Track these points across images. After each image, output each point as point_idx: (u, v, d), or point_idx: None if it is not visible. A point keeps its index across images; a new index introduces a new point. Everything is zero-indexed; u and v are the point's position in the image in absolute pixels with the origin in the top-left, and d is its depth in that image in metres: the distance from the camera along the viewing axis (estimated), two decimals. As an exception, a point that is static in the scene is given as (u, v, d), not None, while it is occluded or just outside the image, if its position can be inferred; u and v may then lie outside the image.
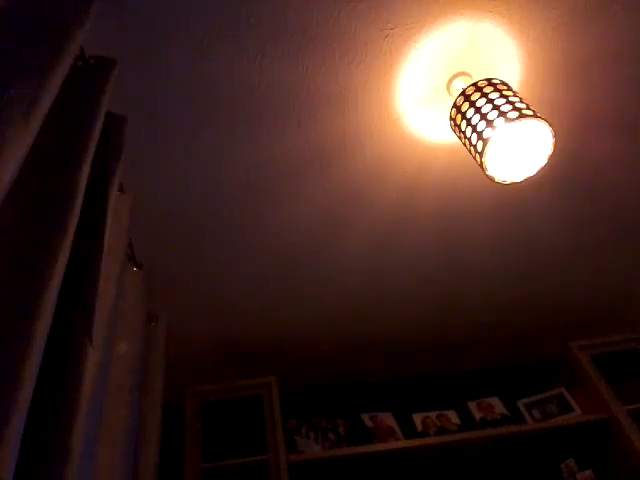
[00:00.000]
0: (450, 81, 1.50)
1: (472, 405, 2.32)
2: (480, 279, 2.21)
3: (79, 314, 0.90)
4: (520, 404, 2.29)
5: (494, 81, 1.40)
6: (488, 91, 1.36)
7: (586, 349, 2.25)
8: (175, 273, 2.00)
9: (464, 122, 1.39)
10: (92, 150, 0.95)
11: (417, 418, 2.27)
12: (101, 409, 1.19)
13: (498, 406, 2.31)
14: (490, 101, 1.34)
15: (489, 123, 1.33)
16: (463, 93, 1.41)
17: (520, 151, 1.39)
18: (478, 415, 2.28)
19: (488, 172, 1.39)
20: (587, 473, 2.06)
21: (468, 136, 1.39)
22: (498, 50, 1.46)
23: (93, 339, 0.91)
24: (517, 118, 1.30)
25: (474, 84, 1.40)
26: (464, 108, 1.40)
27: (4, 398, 0.64)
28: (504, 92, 1.36)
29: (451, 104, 1.45)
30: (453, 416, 2.30)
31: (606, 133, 1.69)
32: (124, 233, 1.25)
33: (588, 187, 1.87)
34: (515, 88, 1.47)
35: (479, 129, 1.35)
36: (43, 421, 0.77)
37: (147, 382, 1.56)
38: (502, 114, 1.31)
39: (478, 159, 1.39)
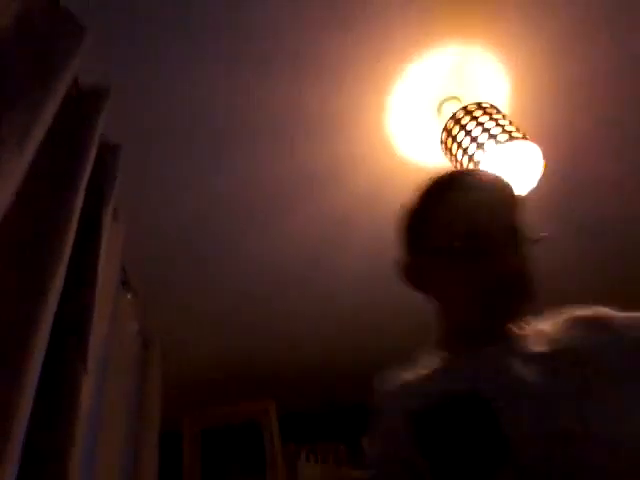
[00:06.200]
0: (440, 105, 1.52)
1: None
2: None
3: (73, 343, 0.90)
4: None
5: (484, 105, 1.42)
6: (478, 114, 1.38)
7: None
8: (170, 296, 1.99)
9: (455, 145, 1.41)
10: (86, 178, 0.96)
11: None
12: (97, 438, 1.18)
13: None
14: (480, 124, 1.36)
15: (479, 146, 1.35)
16: (453, 117, 1.43)
17: (510, 173, 1.40)
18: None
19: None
20: None
21: (459, 159, 1.41)
22: (487, 74, 1.48)
23: (88, 367, 0.91)
24: (507, 140, 1.32)
25: (464, 108, 1.42)
26: (455, 132, 1.41)
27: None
28: (494, 115, 1.38)
29: (442, 128, 1.47)
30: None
31: (595, 154, 1.71)
32: (118, 260, 1.25)
33: (577, 208, 1.88)
34: (505, 111, 1.49)
35: (470, 152, 1.36)
36: (39, 451, 0.77)
37: (143, 409, 1.55)
38: (492, 137, 1.33)
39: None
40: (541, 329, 0.82)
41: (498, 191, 0.88)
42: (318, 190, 1.72)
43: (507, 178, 1.38)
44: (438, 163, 1.64)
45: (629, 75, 1.53)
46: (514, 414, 0.68)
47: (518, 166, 1.38)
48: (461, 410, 0.72)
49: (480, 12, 1.35)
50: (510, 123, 1.36)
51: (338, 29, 1.36)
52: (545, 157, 1.36)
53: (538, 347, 0.78)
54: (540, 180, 1.40)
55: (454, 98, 1.50)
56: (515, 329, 0.82)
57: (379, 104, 1.52)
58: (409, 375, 0.86)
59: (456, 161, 1.43)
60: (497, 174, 0.91)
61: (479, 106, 1.40)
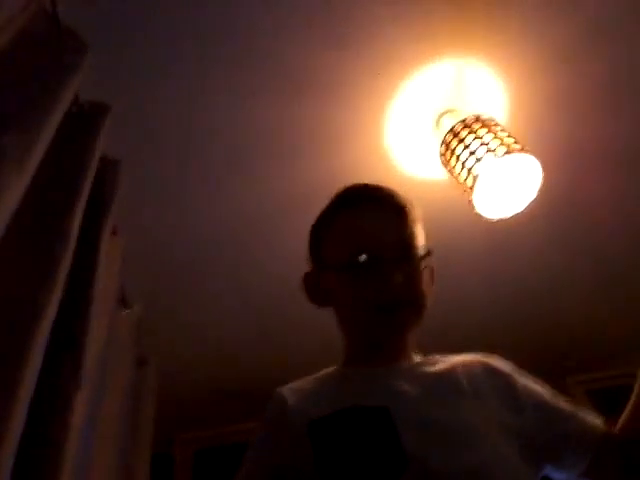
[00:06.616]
0: (439, 118, 1.52)
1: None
2: (468, 316, 2.18)
3: (68, 360, 0.88)
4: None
5: (482, 117, 1.42)
6: (476, 127, 1.38)
7: (583, 384, 2.23)
8: (166, 314, 1.96)
9: (453, 159, 1.41)
10: (86, 194, 0.96)
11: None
12: (89, 457, 1.15)
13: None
14: (478, 137, 1.36)
15: (478, 160, 1.34)
16: (452, 130, 1.43)
17: (509, 187, 1.40)
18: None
19: (477, 209, 1.40)
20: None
21: (457, 173, 1.41)
22: (485, 86, 1.48)
23: (81, 384, 0.89)
24: (505, 153, 1.31)
25: (462, 121, 1.42)
26: (453, 145, 1.41)
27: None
28: (492, 128, 1.37)
29: (440, 141, 1.47)
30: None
31: (594, 166, 1.71)
32: (115, 277, 1.23)
33: (576, 222, 1.87)
34: (503, 123, 1.49)
35: (468, 166, 1.36)
36: (29, 467, 0.74)
37: (136, 428, 1.51)
38: (490, 150, 1.33)
39: (467, 196, 1.40)
40: (444, 359, 0.87)
41: (389, 206, 0.89)
42: (316, 206, 1.70)
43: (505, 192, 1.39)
44: (437, 177, 1.63)
45: (628, 86, 1.54)
46: (405, 429, 0.70)
47: (517, 179, 1.38)
48: (359, 421, 0.72)
49: (477, 26, 1.36)
50: (509, 135, 1.36)
51: (336, 45, 1.36)
52: (544, 169, 1.35)
53: (430, 370, 0.83)
54: (539, 193, 1.40)
55: (453, 111, 1.50)
56: (413, 352, 0.87)
57: (377, 118, 1.51)
58: (308, 388, 0.86)
59: (454, 175, 1.43)
60: (390, 188, 0.92)
61: (477, 119, 1.40)
